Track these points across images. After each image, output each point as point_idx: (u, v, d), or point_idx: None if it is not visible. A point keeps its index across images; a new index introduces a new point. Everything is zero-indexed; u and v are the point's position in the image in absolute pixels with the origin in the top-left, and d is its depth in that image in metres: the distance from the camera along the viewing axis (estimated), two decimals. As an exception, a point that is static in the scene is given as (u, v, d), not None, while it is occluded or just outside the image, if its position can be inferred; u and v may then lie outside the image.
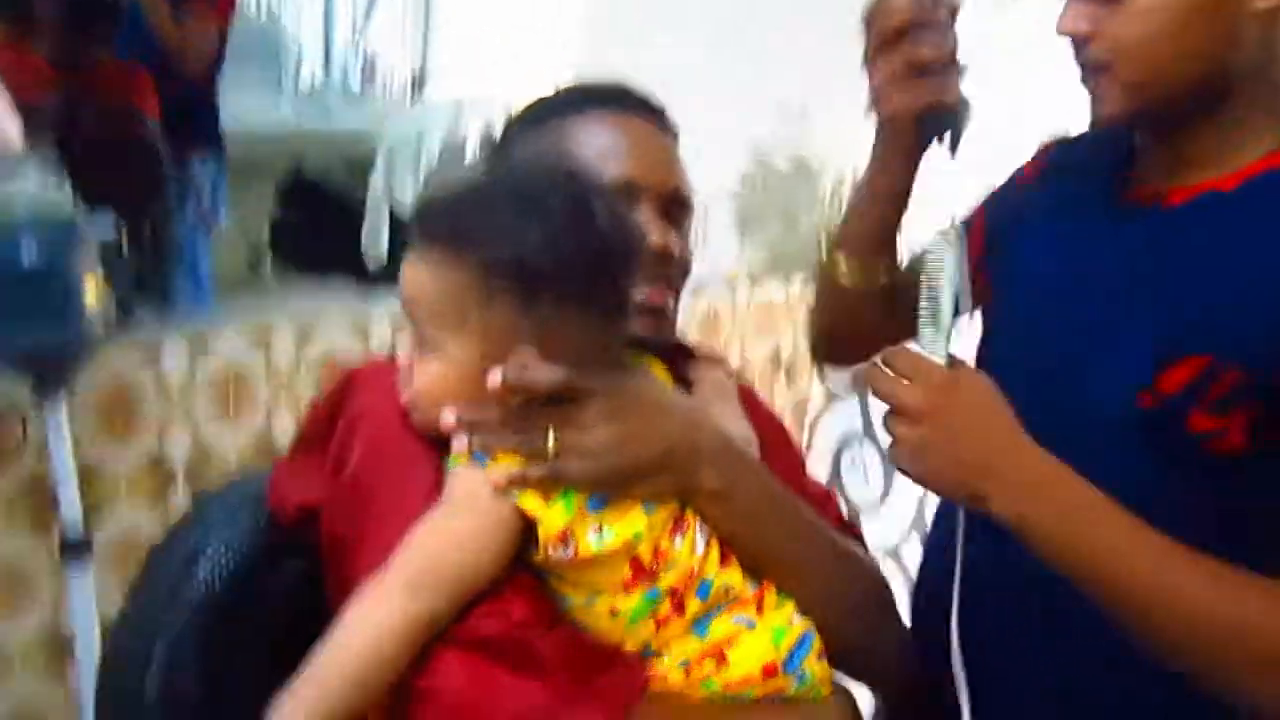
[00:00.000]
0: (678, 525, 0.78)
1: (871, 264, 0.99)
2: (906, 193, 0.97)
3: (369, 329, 2.03)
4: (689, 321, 2.34)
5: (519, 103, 0.99)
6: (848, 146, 2.55)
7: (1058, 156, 1.01)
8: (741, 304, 2.53)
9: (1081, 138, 1.00)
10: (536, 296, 0.74)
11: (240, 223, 2.88)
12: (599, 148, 0.87)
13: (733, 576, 0.80)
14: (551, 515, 0.73)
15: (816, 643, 0.81)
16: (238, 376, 1.90)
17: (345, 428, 0.81)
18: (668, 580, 0.76)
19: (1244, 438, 0.79)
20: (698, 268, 0.97)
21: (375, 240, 2.92)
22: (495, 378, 0.73)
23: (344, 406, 0.82)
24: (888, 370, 0.77)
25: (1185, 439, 0.80)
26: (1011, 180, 1.04)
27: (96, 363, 1.68)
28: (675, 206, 0.92)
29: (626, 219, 0.80)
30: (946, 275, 0.77)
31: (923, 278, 0.78)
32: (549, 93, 0.97)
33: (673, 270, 0.91)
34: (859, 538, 0.97)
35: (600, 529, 0.74)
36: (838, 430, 2.77)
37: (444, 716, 0.68)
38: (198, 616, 0.82)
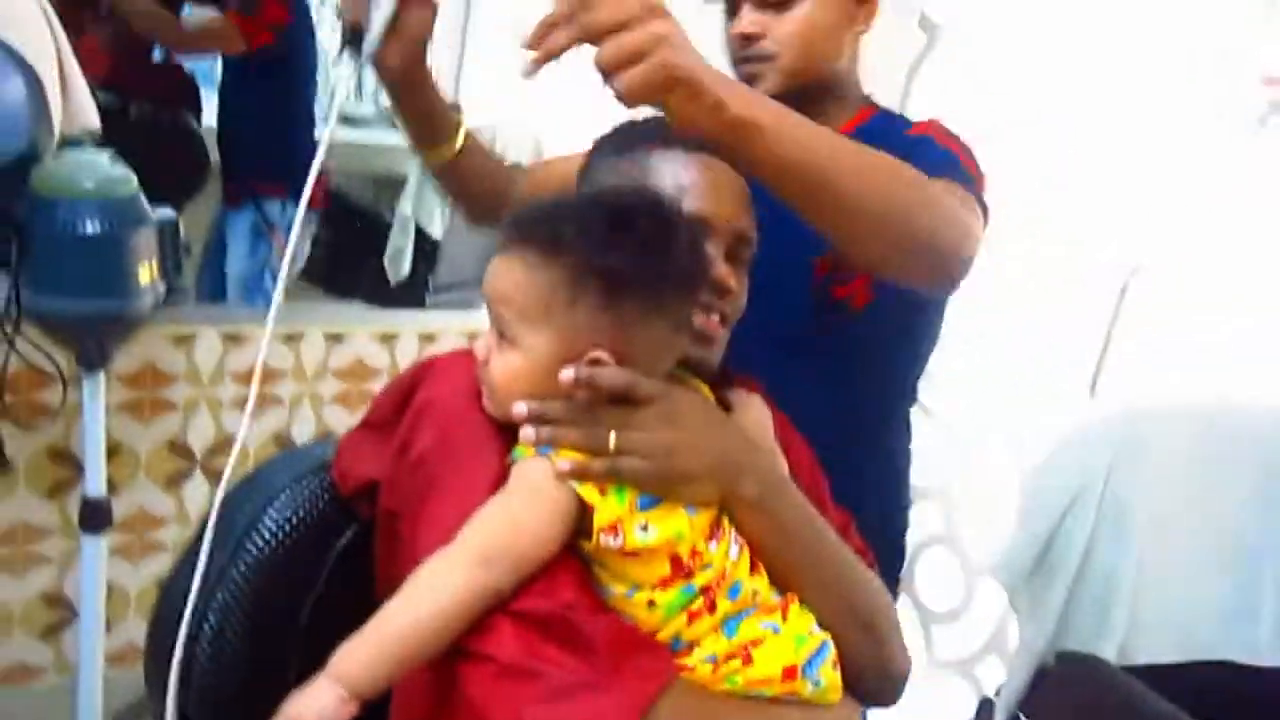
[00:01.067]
0: (715, 530, 0.84)
1: (439, 147, 1.19)
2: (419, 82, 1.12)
3: (396, 342, 2.08)
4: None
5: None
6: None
7: None
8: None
9: None
10: (619, 303, 0.80)
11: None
12: (679, 182, 0.94)
13: (761, 583, 0.86)
14: (606, 506, 0.79)
15: (832, 653, 0.86)
16: (266, 373, 1.95)
17: (415, 412, 0.87)
18: (702, 579, 0.82)
19: (868, 293, 1.20)
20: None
21: (398, 261, 2.97)
22: (568, 374, 0.80)
23: (416, 392, 0.88)
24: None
25: (836, 300, 1.22)
26: None
27: (135, 341, 1.74)
28: (739, 246, 0.98)
29: (703, 246, 0.87)
30: None
31: None
32: (632, 122, 1.04)
33: (728, 303, 0.97)
34: (873, 566, 1.03)
35: (646, 526, 0.80)
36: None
37: (492, 680, 0.73)
38: (255, 573, 0.87)
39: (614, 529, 0.79)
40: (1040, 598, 1.60)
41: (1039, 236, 2.37)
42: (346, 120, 3.48)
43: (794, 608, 0.87)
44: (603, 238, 0.81)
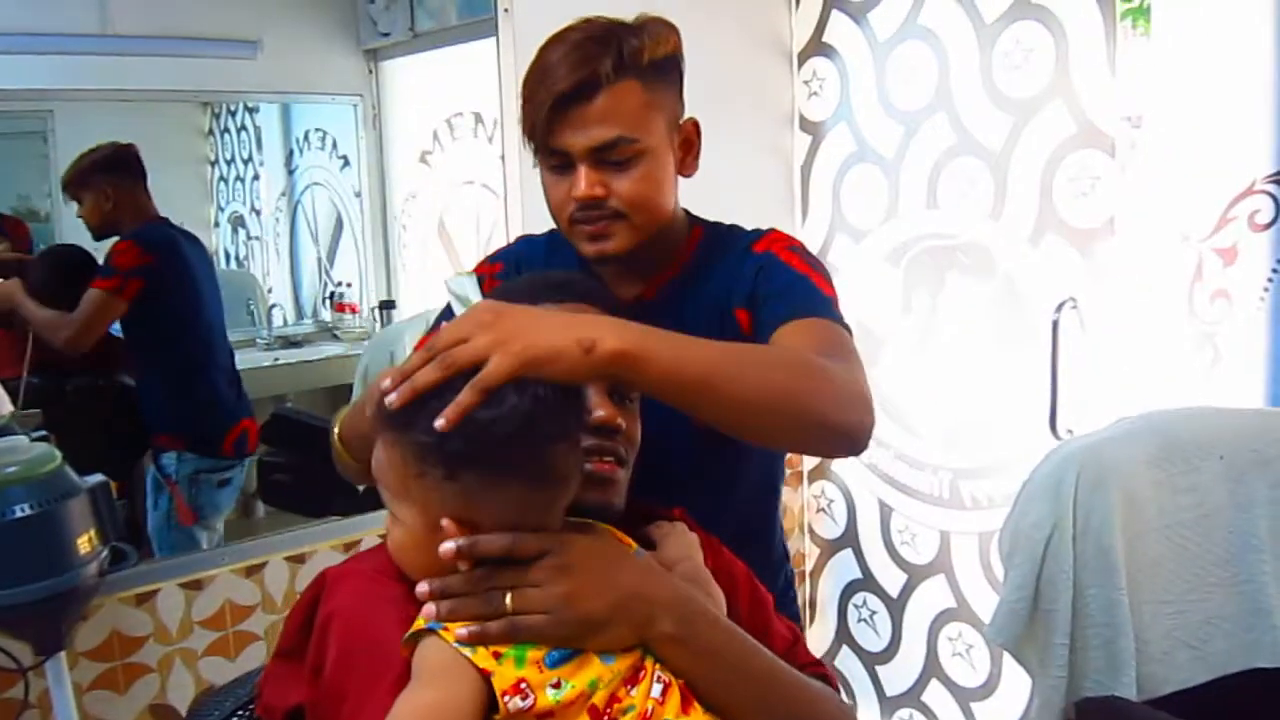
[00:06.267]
0: (635, 675, 0.82)
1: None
2: None
3: (358, 547, 2.06)
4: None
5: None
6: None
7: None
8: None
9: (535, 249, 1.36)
10: (456, 472, 0.80)
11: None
12: None
13: (693, 718, 0.83)
14: (504, 670, 0.77)
15: None
16: (234, 611, 1.92)
17: (319, 630, 0.86)
18: None
19: None
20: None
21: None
22: (448, 547, 0.80)
23: (318, 609, 0.87)
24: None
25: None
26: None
27: (93, 614, 1.71)
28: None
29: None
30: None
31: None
32: (509, 281, 1.05)
33: (620, 443, 0.98)
34: (824, 676, 1.00)
35: (559, 683, 0.78)
36: (840, 580, 2.78)
37: None
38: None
39: (518, 690, 0.77)
40: (1044, 649, 1.55)
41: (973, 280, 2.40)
42: (289, 342, 3.54)
43: None
44: (435, 409, 0.80)
